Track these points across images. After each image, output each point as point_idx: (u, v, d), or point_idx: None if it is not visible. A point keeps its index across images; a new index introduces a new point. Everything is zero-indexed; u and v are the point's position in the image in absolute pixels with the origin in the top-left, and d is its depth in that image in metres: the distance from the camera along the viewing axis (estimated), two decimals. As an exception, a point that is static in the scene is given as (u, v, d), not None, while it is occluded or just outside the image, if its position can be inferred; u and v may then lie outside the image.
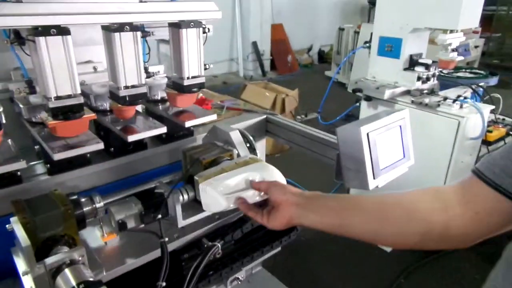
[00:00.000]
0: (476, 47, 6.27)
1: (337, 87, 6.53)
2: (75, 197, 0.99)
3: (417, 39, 2.63)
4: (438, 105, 2.43)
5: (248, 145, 1.30)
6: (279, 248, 1.40)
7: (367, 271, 2.70)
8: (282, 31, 8.66)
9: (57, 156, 1.02)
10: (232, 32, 8.02)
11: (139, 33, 1.12)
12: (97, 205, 1.01)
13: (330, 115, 3.37)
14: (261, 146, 1.70)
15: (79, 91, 1.05)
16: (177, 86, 1.30)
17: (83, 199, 1.00)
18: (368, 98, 2.78)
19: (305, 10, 9.14)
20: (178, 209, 1.08)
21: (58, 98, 1.02)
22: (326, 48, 9.50)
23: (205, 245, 1.14)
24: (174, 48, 1.26)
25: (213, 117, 1.38)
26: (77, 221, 0.96)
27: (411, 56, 2.63)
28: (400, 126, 1.33)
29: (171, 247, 1.12)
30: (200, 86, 1.31)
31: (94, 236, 1.10)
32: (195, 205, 1.16)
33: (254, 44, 8.04)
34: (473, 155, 2.57)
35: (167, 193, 1.08)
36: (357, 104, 3.01)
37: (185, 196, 1.11)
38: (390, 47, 2.64)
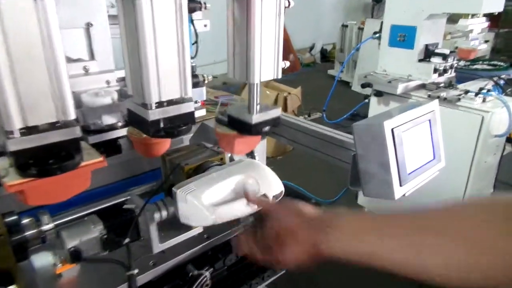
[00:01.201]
0: (486, 41, 6.00)
1: (340, 85, 6.29)
2: (14, 217, 0.75)
3: (433, 27, 2.38)
4: (459, 99, 2.18)
5: (243, 146, 1.06)
6: (283, 271, 1.16)
7: (380, 285, 2.45)
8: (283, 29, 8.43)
9: (-12, 164, 0.78)
10: (231, 31, 7.80)
11: (185, 2, 0.63)
12: (45, 228, 0.77)
13: (334, 115, 3.13)
14: (261, 147, 1.46)
15: (72, 116, 0.57)
16: (237, 124, 0.84)
17: (25, 220, 0.76)
18: (379, 94, 2.53)
19: (307, 8, 8.91)
20: (153, 230, 0.85)
21: (27, 130, 0.53)
22: (329, 46, 9.27)
23: (190, 274, 0.91)
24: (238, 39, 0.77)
25: (202, 112, 1.14)
26: (15, 250, 0.72)
27: (426, 46, 2.39)
28: (430, 121, 1.11)
29: (146, 277, 0.88)
30: (274, 123, 0.85)
31: (47, 265, 0.86)
32: (176, 223, 0.92)
33: (255, 43, 7.83)
34: (497, 154, 2.32)
35: (138, 209, 0.84)
36: (366, 100, 2.77)
37: (163, 213, 0.87)
38: (403, 36, 2.39)
